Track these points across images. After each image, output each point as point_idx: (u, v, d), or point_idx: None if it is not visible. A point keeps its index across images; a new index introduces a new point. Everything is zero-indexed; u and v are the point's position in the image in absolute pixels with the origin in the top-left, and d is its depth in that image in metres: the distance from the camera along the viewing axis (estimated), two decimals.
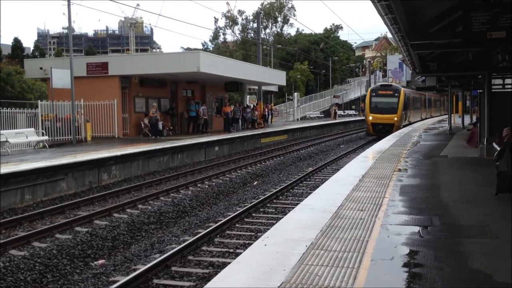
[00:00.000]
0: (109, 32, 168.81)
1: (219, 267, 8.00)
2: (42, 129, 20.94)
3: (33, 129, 20.36)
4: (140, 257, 9.24)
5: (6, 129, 19.09)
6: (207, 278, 7.53)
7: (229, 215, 11.57)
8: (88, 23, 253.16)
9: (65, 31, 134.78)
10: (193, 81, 29.43)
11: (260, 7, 77.10)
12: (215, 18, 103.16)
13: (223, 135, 26.13)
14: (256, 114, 34.77)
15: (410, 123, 36.55)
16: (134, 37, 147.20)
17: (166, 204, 12.95)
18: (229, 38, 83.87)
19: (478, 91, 20.95)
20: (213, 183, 16.17)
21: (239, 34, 79.67)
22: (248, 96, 42.51)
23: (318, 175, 18.22)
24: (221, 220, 11.14)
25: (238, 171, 18.85)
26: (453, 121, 31.15)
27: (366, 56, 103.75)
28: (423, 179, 10.72)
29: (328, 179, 11.78)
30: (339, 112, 56.63)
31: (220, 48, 77.05)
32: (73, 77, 20.93)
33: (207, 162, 21.23)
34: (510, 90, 19.58)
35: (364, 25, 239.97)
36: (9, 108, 20.32)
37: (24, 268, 8.28)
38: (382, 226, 6.58)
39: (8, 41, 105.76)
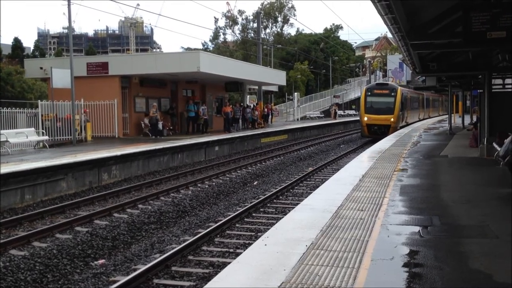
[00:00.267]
0: (109, 32, 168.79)
1: (219, 267, 8.01)
2: (42, 129, 20.94)
3: (33, 129, 20.37)
4: (140, 257, 9.24)
5: (6, 129, 19.10)
6: (207, 278, 7.53)
7: (229, 215, 11.57)
8: (88, 23, 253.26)
9: (65, 31, 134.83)
10: (193, 81, 29.43)
11: (260, 7, 77.17)
12: (215, 18, 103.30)
13: (223, 135, 26.14)
14: (256, 114, 34.76)
15: (407, 124, 34.87)
16: (134, 37, 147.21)
17: (166, 204, 12.95)
18: (229, 38, 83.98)
19: (478, 91, 20.96)
20: (213, 183, 16.18)
21: (239, 34, 79.74)
22: (248, 96, 42.51)
23: (318, 175, 18.23)
24: (221, 220, 11.15)
25: (238, 171, 18.85)
26: (453, 121, 31.12)
27: (366, 56, 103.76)
28: (423, 179, 10.72)
29: (328, 179, 11.78)
30: (339, 112, 56.66)
31: (220, 48, 77.05)
32: (73, 77, 20.94)
33: (207, 162, 21.23)
34: (510, 90, 19.59)
35: (364, 25, 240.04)
36: (9, 108, 20.33)
37: (24, 268, 8.28)
38: (382, 226, 6.58)
39: (8, 41, 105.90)
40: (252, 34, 75.42)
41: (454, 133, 25.18)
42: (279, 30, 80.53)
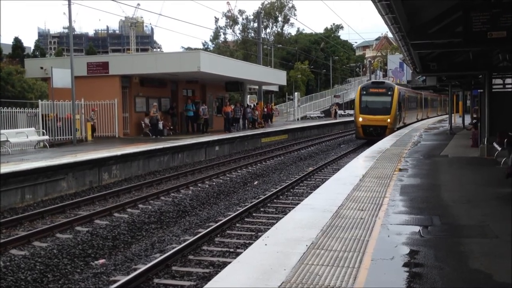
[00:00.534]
0: (110, 31, 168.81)
1: (219, 267, 8.01)
2: (43, 128, 20.96)
3: (33, 128, 20.38)
4: (140, 257, 9.25)
5: (6, 129, 19.12)
6: (208, 277, 7.53)
7: (230, 215, 11.57)
8: (88, 23, 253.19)
9: (66, 30, 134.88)
10: (194, 80, 29.44)
11: (261, 6, 77.10)
12: (215, 17, 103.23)
13: (223, 134, 26.14)
14: (256, 114, 34.75)
15: (405, 125, 33.15)
16: (135, 37, 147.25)
17: (167, 204, 12.96)
18: (230, 37, 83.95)
19: (479, 90, 20.96)
20: (214, 183, 16.18)
21: (239, 33, 79.77)
22: (248, 96, 42.51)
23: (319, 174, 18.23)
24: (221, 220, 11.15)
25: (239, 171, 18.86)
26: (454, 120, 31.09)
27: (366, 55, 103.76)
28: (424, 179, 10.72)
29: (328, 178, 11.79)
30: (340, 112, 56.65)
31: (221, 48, 77.05)
32: (74, 76, 20.96)
33: (207, 162, 21.24)
34: (510, 90, 19.59)
35: (364, 25, 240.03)
36: (9, 108, 20.34)
37: (25, 268, 8.29)
38: (382, 226, 6.58)
39: (8, 40, 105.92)
40: (252, 34, 75.43)
41: (455, 133, 25.18)
42: (279, 30, 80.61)
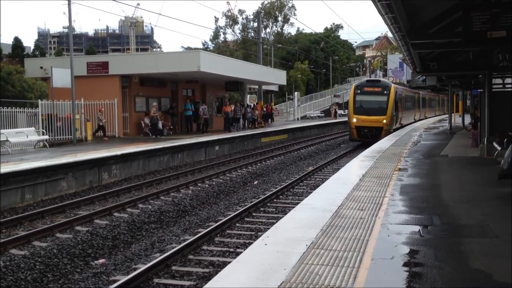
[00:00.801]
0: (110, 31, 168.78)
1: (219, 267, 8.01)
2: (43, 128, 20.95)
3: (33, 128, 20.38)
4: (140, 257, 9.25)
5: (6, 128, 19.11)
6: (208, 277, 7.53)
7: (230, 215, 11.57)
8: (88, 23, 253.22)
9: (66, 30, 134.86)
10: (194, 80, 29.43)
11: (261, 6, 77.10)
12: (215, 17, 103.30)
13: (223, 134, 26.14)
14: (256, 114, 34.75)
15: (401, 126, 31.41)
16: (135, 37, 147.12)
17: (167, 204, 12.96)
18: (230, 37, 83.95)
19: (479, 90, 20.97)
20: (214, 183, 16.18)
21: (239, 33, 79.75)
22: (248, 96, 42.51)
23: (319, 174, 18.23)
24: (221, 220, 11.15)
25: (239, 171, 18.86)
26: (454, 120, 31.07)
27: (366, 55, 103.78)
28: (424, 179, 10.72)
29: (328, 178, 11.79)
30: (340, 112, 56.60)
31: (221, 48, 77.03)
32: (74, 76, 20.97)
33: (207, 162, 21.24)
34: (510, 89, 19.60)
35: (364, 25, 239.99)
36: (9, 108, 20.34)
37: (25, 268, 8.29)
38: (382, 226, 6.58)
39: (8, 40, 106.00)
40: (252, 34, 75.43)
41: (454, 133, 25.19)
42: (279, 29, 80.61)
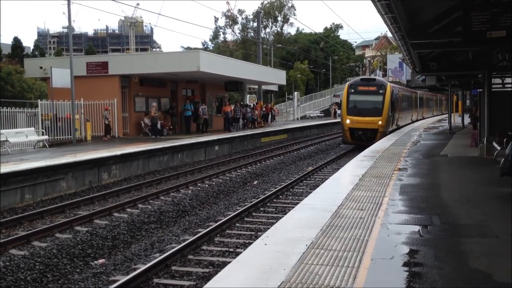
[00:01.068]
0: (109, 31, 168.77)
1: (219, 267, 8.01)
2: (42, 128, 20.94)
3: (33, 128, 20.37)
4: (140, 257, 9.24)
5: (6, 129, 19.11)
6: (207, 277, 7.53)
7: (229, 215, 11.57)
8: (88, 23, 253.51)
9: (65, 30, 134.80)
10: (193, 80, 29.42)
11: (260, 6, 77.13)
12: (215, 17, 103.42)
13: (223, 134, 26.14)
14: (256, 114, 34.75)
15: (398, 128, 29.57)
16: (134, 37, 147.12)
17: (166, 204, 12.96)
18: (229, 37, 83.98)
19: (478, 90, 20.98)
20: (213, 183, 16.18)
21: (239, 33, 79.75)
22: (248, 96, 42.51)
23: (318, 174, 18.23)
24: (221, 220, 11.14)
25: (238, 171, 18.85)
26: (453, 120, 31.06)
27: (366, 55, 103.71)
28: (423, 179, 10.72)
29: (328, 178, 11.79)
30: (339, 112, 56.57)
31: (220, 48, 77.04)
32: (73, 76, 20.95)
33: (207, 162, 21.23)
34: (510, 89, 19.61)
35: (364, 25, 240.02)
36: (9, 108, 20.33)
37: (24, 268, 8.28)
38: (382, 225, 6.58)
39: (8, 40, 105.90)
40: (252, 34, 75.43)
41: (454, 133, 25.20)
42: (279, 29, 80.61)
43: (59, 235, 10.17)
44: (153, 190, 14.79)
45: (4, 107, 20.10)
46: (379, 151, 16.42)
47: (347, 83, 28.39)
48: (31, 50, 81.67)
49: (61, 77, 20.87)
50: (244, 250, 6.28)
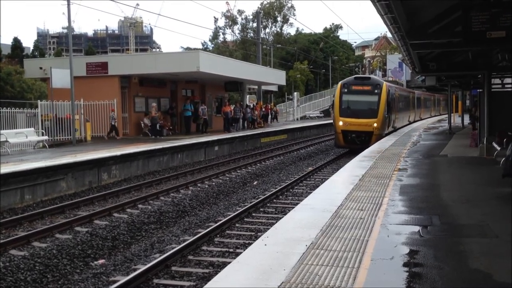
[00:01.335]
0: (109, 32, 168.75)
1: (219, 267, 8.00)
2: (42, 129, 20.94)
3: (33, 129, 20.37)
4: (140, 257, 9.24)
5: (6, 129, 19.09)
6: (207, 278, 7.53)
7: (229, 215, 11.57)
8: (87, 23, 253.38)
9: (65, 31, 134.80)
10: (193, 80, 29.41)
11: (260, 6, 77.14)
12: (214, 18, 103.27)
13: (223, 134, 26.14)
14: (256, 114, 34.76)
15: (394, 130, 27.82)
16: (134, 37, 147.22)
17: (166, 204, 12.95)
18: (229, 37, 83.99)
19: (478, 90, 20.99)
20: (213, 183, 16.18)
21: (238, 33, 79.74)
22: (248, 96, 42.51)
23: (318, 174, 18.23)
24: (221, 220, 11.15)
25: (238, 171, 18.85)
26: (453, 120, 31.06)
27: (365, 55, 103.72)
28: (423, 179, 10.72)
29: (328, 178, 11.78)
30: None
31: (220, 48, 77.06)
32: (73, 77, 20.94)
33: (207, 162, 21.23)
34: (509, 89, 19.62)
35: (364, 25, 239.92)
36: (9, 108, 20.32)
37: (24, 268, 8.28)
38: (382, 226, 6.58)
39: (8, 41, 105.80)
40: (251, 34, 75.44)
41: (454, 133, 25.21)
42: (278, 29, 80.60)
43: (59, 235, 10.16)
44: (153, 190, 14.79)
45: (4, 108, 20.09)
46: (379, 151, 16.43)
47: (340, 82, 26.58)
48: (31, 50, 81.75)
49: (61, 77, 20.86)
50: (244, 250, 6.28)
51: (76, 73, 21.80)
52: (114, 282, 7.55)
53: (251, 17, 77.67)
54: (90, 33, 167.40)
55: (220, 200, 14.24)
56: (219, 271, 5.55)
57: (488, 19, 9.64)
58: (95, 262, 9.02)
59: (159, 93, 27.81)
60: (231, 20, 79.65)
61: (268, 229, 6.89)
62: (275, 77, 38.31)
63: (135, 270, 8.04)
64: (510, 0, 9.56)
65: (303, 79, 73.30)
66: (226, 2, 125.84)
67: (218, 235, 10.12)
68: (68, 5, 21.61)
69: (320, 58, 77.86)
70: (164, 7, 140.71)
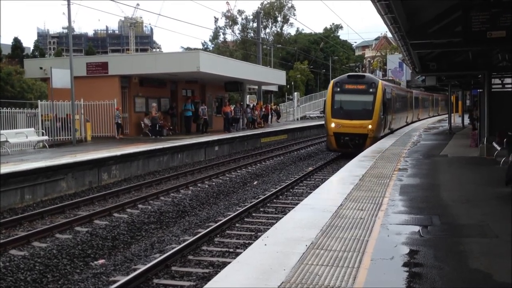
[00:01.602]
0: (109, 32, 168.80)
1: (219, 267, 8.00)
2: (42, 129, 20.94)
3: (33, 129, 20.37)
4: (140, 257, 9.24)
5: (6, 129, 19.10)
6: (207, 277, 7.53)
7: (229, 215, 11.57)
8: (88, 23, 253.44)
9: (65, 31, 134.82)
10: (193, 81, 29.42)
11: (260, 6, 77.15)
12: (215, 18, 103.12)
13: (223, 134, 26.14)
14: (256, 114, 34.76)
15: (391, 132, 26.01)
16: (134, 37, 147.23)
17: (166, 204, 12.95)
18: (229, 37, 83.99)
19: (478, 90, 20.99)
20: (213, 183, 16.18)
21: (239, 33, 79.76)
22: (248, 96, 42.50)
23: (318, 174, 18.23)
24: (221, 220, 11.15)
25: (238, 171, 18.85)
26: (453, 120, 31.05)
27: (366, 55, 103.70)
28: (423, 179, 10.72)
29: (328, 178, 11.79)
30: None
31: (220, 48, 77.08)
32: (73, 77, 20.94)
33: (207, 162, 21.23)
34: (509, 89, 19.61)
35: (364, 25, 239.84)
36: (9, 108, 20.33)
37: (24, 268, 8.28)
38: (382, 226, 6.58)
39: (8, 41, 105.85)
40: (252, 34, 75.44)
41: (454, 133, 25.21)
42: (279, 30, 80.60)
43: (59, 235, 10.16)
44: (153, 190, 14.79)
45: (4, 108, 20.10)
46: (379, 151, 16.42)
47: (332, 80, 24.75)
48: (31, 50, 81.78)
49: (61, 77, 20.86)
50: (244, 250, 6.28)
51: (76, 73, 21.80)
52: (114, 282, 7.56)
53: (251, 17, 77.78)
54: (90, 33, 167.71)
55: (220, 200, 14.24)
56: (219, 271, 5.55)
57: (488, 19, 9.64)
58: (95, 262, 9.02)
59: (159, 93, 27.81)
60: (231, 20, 79.68)
61: (268, 229, 6.89)
62: (275, 77, 38.31)
63: (135, 270, 8.04)
64: (510, 0, 9.56)
65: (303, 79, 73.32)
66: (226, 2, 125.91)
67: (218, 235, 10.12)
68: (68, 5, 21.62)
69: (320, 58, 77.87)
70: (164, 7, 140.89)
